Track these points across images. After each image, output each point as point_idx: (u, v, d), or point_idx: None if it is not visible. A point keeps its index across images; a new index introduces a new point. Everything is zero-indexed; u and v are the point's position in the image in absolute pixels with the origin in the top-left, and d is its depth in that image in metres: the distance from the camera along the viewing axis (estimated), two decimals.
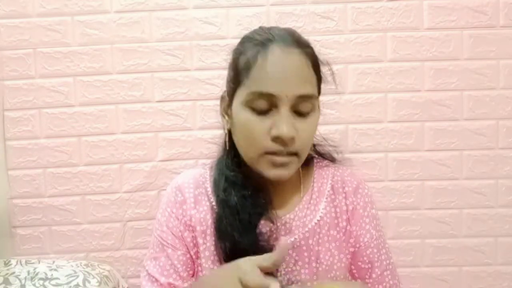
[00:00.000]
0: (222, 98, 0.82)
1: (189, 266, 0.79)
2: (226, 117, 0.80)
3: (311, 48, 0.76)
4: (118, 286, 1.33)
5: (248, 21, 1.41)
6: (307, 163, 0.85)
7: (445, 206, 1.44)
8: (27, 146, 1.42)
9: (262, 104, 0.70)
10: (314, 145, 0.87)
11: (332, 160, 0.87)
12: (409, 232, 1.45)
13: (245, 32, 0.80)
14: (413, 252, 1.45)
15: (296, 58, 0.71)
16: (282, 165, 0.71)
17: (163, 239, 0.79)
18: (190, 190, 0.81)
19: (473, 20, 1.42)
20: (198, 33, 1.42)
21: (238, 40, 0.80)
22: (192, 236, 0.79)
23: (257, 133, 0.70)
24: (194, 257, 0.79)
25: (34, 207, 1.43)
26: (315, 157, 0.88)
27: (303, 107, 0.71)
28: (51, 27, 1.41)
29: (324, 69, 0.79)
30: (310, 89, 0.71)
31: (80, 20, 1.41)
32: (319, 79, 0.77)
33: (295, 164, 0.73)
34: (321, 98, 0.80)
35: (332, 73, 0.81)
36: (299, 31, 0.78)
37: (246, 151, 0.74)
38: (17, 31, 1.40)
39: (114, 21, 1.41)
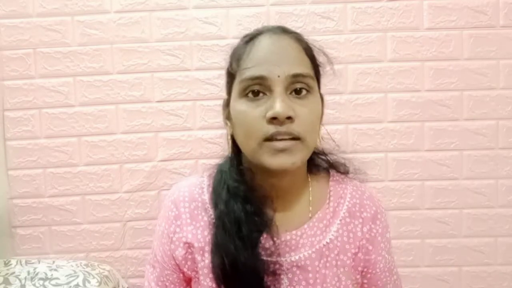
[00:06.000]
0: (223, 105, 0.79)
1: (178, 283, 0.79)
2: (228, 123, 0.76)
3: (304, 39, 0.75)
4: (118, 286, 1.33)
5: (248, 21, 1.41)
6: (320, 175, 0.81)
7: (445, 206, 1.44)
8: (27, 146, 1.42)
9: (255, 89, 0.68)
10: (326, 154, 0.82)
11: (346, 172, 0.82)
12: (409, 232, 1.45)
13: (245, 32, 0.79)
14: (413, 252, 1.45)
15: (285, 42, 0.70)
16: (284, 150, 0.66)
17: (156, 254, 0.80)
18: (186, 204, 0.77)
19: (473, 20, 1.42)
20: (198, 33, 1.42)
21: (238, 40, 0.79)
22: (187, 253, 0.76)
23: (254, 119, 0.67)
24: (188, 272, 0.77)
25: (34, 207, 1.43)
26: (330, 170, 0.82)
27: (299, 87, 0.68)
28: (51, 27, 1.41)
29: (320, 59, 0.76)
30: (303, 69, 0.69)
31: (80, 20, 1.41)
32: (314, 65, 0.74)
33: (300, 152, 0.67)
34: None
35: (331, 62, 0.78)
36: (298, 31, 0.77)
37: (246, 144, 0.70)
38: (17, 31, 1.40)
39: (114, 21, 1.41)
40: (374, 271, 0.78)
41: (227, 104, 0.76)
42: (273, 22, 1.41)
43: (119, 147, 1.43)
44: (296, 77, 0.68)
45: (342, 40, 1.42)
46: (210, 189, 0.77)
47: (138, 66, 1.42)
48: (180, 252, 0.76)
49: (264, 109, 0.67)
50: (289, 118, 0.66)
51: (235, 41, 0.79)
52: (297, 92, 0.68)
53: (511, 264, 1.44)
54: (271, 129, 0.66)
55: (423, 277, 1.45)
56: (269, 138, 0.67)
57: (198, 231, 0.75)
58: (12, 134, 1.42)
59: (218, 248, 0.71)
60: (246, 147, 0.71)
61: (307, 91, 0.69)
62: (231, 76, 0.74)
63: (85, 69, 1.42)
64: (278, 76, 0.66)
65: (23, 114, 1.42)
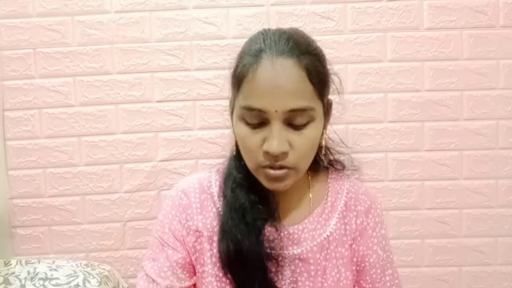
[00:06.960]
0: (230, 102, 0.79)
1: (187, 269, 0.78)
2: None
3: (310, 55, 0.71)
4: (118, 286, 1.33)
5: (248, 21, 1.41)
6: (320, 173, 0.84)
7: (445, 206, 1.44)
8: (27, 146, 1.42)
9: (254, 118, 0.69)
10: (326, 153, 0.84)
11: (343, 168, 0.85)
12: (409, 232, 1.45)
13: (245, 32, 0.78)
14: (413, 252, 1.45)
15: (287, 71, 0.67)
16: (277, 179, 0.70)
17: (164, 240, 0.78)
18: (196, 195, 0.80)
19: (473, 20, 1.42)
20: (198, 33, 1.42)
21: (238, 40, 0.77)
22: (196, 241, 0.77)
23: (251, 147, 0.70)
24: (195, 262, 0.78)
25: (34, 207, 1.43)
26: (329, 167, 0.86)
27: (298, 120, 0.68)
28: (51, 27, 1.41)
29: (330, 71, 0.76)
30: (303, 103, 0.68)
31: (80, 20, 1.41)
32: (320, 86, 0.71)
33: (292, 177, 0.71)
34: None
35: (338, 79, 0.79)
36: None
37: (246, 161, 0.74)
38: (17, 31, 1.40)
39: (114, 21, 1.41)
40: (363, 264, 0.81)
41: (233, 103, 0.76)
42: (273, 22, 1.41)
43: (119, 147, 1.43)
44: (295, 111, 0.67)
45: (342, 40, 1.42)
46: (218, 183, 0.80)
47: (138, 66, 1.42)
48: (190, 239, 0.78)
49: (261, 137, 0.69)
50: (283, 153, 0.68)
51: (240, 42, 0.76)
52: (296, 124, 0.69)
53: (511, 264, 1.45)
54: (266, 161, 0.69)
55: (423, 277, 1.45)
56: (264, 166, 0.70)
57: (208, 221, 0.78)
58: (12, 134, 1.42)
59: (224, 234, 0.74)
60: (246, 163, 0.74)
61: (306, 122, 0.69)
62: (234, 88, 0.74)
63: (85, 69, 1.42)
64: (276, 111, 0.67)
65: (23, 114, 1.42)
